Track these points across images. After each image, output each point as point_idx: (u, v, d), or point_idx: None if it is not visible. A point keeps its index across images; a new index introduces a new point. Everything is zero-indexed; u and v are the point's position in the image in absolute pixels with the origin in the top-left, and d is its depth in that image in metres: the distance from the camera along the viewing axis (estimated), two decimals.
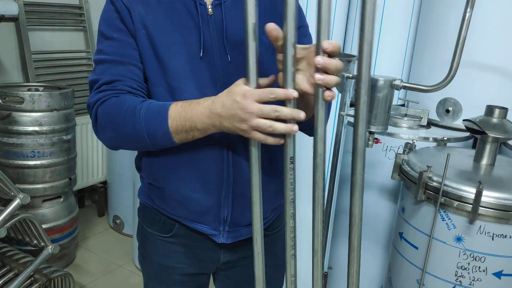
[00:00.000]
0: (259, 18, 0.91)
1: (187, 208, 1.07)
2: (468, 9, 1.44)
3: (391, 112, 2.10)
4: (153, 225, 1.15)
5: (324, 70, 0.78)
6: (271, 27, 0.80)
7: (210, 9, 1.01)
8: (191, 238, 1.12)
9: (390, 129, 2.15)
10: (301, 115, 0.82)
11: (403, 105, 2.39)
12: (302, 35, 1.07)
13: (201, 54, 0.98)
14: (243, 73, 0.84)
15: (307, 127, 1.09)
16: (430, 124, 2.23)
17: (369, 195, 2.11)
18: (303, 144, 1.64)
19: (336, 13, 2.45)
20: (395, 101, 2.36)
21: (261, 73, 0.84)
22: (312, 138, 0.86)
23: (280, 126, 0.82)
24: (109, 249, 2.84)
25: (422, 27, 2.29)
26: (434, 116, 2.21)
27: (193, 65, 0.98)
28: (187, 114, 0.90)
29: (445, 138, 1.92)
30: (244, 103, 0.82)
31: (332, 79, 0.78)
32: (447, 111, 2.15)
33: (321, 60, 0.77)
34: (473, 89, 2.09)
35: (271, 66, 0.88)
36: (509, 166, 1.67)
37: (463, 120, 1.71)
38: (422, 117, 2.19)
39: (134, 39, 1.00)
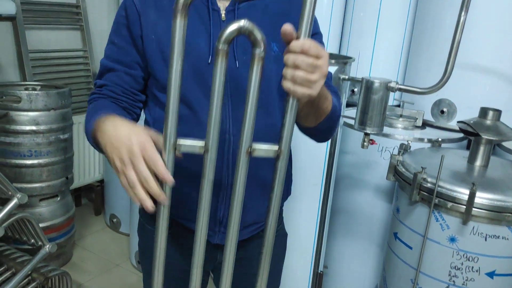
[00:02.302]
0: (271, 25, 0.93)
1: (184, 207, 1.08)
2: (463, 13, 1.46)
3: (387, 113, 2.13)
4: (152, 222, 1.16)
5: (295, 67, 0.76)
6: (288, 29, 0.75)
7: (223, 15, 1.03)
8: (187, 237, 1.14)
9: (386, 129, 2.16)
10: (161, 200, 0.80)
11: (398, 106, 2.41)
12: (317, 41, 1.08)
13: (209, 60, 1.00)
14: None
15: (312, 133, 1.11)
16: (425, 125, 2.25)
17: (364, 195, 2.14)
18: (302, 144, 1.65)
19: (332, 14, 2.47)
20: (390, 102, 2.38)
21: (266, 82, 0.83)
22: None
23: (132, 181, 0.80)
24: (106, 247, 2.85)
25: (418, 27, 2.31)
26: (429, 117, 2.23)
27: (201, 70, 1.00)
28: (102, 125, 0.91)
29: (440, 139, 1.94)
30: (127, 144, 0.81)
31: (296, 89, 0.76)
32: (442, 112, 2.17)
33: (290, 57, 0.76)
34: (467, 90, 2.11)
35: (276, 76, 0.89)
36: (502, 167, 1.69)
37: (458, 122, 1.73)
38: (417, 118, 2.21)
39: (138, 46, 1.04)
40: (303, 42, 0.74)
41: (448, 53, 1.63)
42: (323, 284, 2.18)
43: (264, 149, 0.82)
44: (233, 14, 1.03)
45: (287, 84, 0.77)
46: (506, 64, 2.09)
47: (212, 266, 1.22)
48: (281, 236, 1.30)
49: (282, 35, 0.77)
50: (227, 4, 1.04)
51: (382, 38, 2.44)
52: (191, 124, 1.02)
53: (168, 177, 0.79)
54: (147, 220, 1.19)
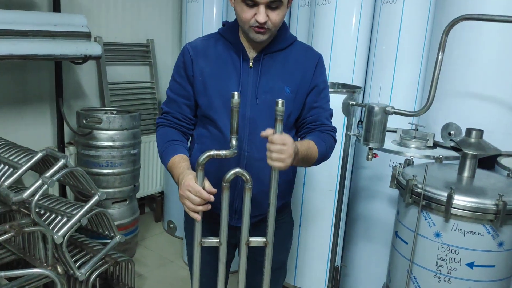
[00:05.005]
0: (286, 72, 1.40)
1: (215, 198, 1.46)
2: (440, 53, 1.82)
3: (402, 134, 2.49)
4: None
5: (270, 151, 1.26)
6: (264, 134, 1.28)
7: (251, 63, 1.49)
8: (214, 219, 1.47)
9: (399, 148, 2.53)
10: (195, 216, 1.33)
11: (416, 129, 2.74)
12: (321, 89, 1.55)
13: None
14: (267, 112, 1.34)
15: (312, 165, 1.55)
16: (436, 145, 2.57)
17: (378, 204, 2.48)
18: None
19: (357, 47, 2.87)
20: (407, 126, 2.72)
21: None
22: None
23: (190, 206, 1.32)
24: (163, 247, 3.35)
25: (431, 61, 2.66)
26: (439, 138, 2.55)
27: (230, 104, 1.37)
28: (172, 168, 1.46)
29: (441, 156, 2.27)
30: (182, 187, 1.33)
31: (273, 164, 1.26)
32: (450, 134, 2.49)
33: (268, 145, 1.27)
34: (472, 115, 2.41)
35: (287, 111, 1.37)
36: (487, 178, 2.00)
37: (449, 139, 2.06)
38: (428, 139, 2.55)
39: (192, 83, 1.51)
40: (272, 137, 1.25)
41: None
42: (343, 281, 2.53)
43: (257, 240, 1.36)
44: (258, 62, 1.48)
45: (268, 161, 1.27)
46: (507, 93, 2.38)
47: (235, 241, 1.61)
48: (287, 222, 1.70)
49: (263, 137, 1.27)
50: (255, 55, 1.49)
51: (401, 72, 2.81)
52: (221, 141, 1.47)
53: (209, 197, 1.30)
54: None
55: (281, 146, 1.24)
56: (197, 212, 1.31)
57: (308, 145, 1.43)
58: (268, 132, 1.25)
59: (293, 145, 1.27)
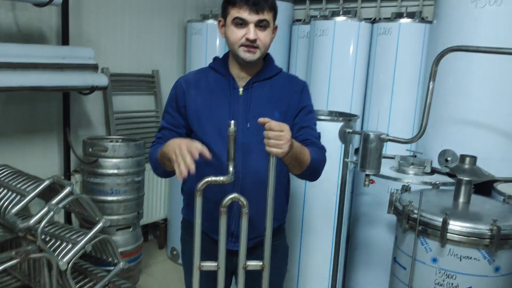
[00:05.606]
0: (274, 98, 1.48)
1: (210, 222, 1.49)
2: (431, 82, 1.90)
3: (400, 161, 2.54)
4: (190, 233, 1.65)
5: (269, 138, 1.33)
6: (261, 121, 1.35)
7: (241, 92, 1.58)
8: (212, 244, 1.51)
9: (398, 175, 2.58)
10: (191, 168, 1.32)
11: (414, 156, 2.80)
12: (308, 111, 1.64)
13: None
14: (259, 136, 1.39)
15: (302, 177, 1.61)
16: (434, 171, 2.62)
17: (378, 230, 2.52)
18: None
19: (355, 76, 2.96)
20: (405, 153, 2.78)
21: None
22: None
23: (180, 162, 1.32)
24: (166, 275, 3.37)
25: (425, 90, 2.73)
26: (437, 165, 2.60)
27: (222, 130, 1.48)
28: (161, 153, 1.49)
29: (438, 182, 2.31)
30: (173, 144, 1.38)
31: (271, 150, 1.33)
32: (446, 160, 2.54)
33: (265, 133, 1.34)
34: (468, 142, 2.47)
35: None
36: (483, 203, 2.04)
37: (444, 166, 2.11)
38: (426, 165, 2.59)
39: (184, 114, 1.59)
40: (270, 123, 1.32)
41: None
42: None
43: (253, 264, 1.41)
44: (247, 91, 1.56)
45: (266, 148, 1.34)
46: (501, 120, 2.44)
47: (231, 267, 1.59)
48: (283, 247, 1.74)
49: (260, 124, 1.34)
50: (244, 84, 1.58)
51: (398, 101, 2.88)
52: (215, 166, 1.51)
53: (196, 155, 1.33)
54: (185, 231, 1.71)
55: (278, 132, 1.32)
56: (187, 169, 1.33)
57: (301, 145, 1.52)
58: (265, 119, 1.34)
59: (290, 132, 1.36)
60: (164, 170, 1.55)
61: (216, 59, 1.69)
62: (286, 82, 1.65)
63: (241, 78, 1.60)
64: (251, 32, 1.49)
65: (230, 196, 1.33)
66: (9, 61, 2.44)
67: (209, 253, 1.47)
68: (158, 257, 3.67)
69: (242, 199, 1.33)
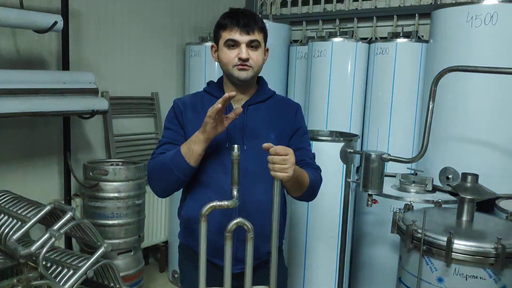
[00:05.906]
0: (270, 120, 1.48)
1: (209, 246, 1.45)
2: (431, 102, 1.91)
3: (401, 179, 2.55)
4: (188, 258, 1.65)
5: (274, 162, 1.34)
6: (265, 146, 1.36)
7: None
8: (211, 267, 1.49)
9: (399, 193, 2.58)
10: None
11: (415, 174, 2.80)
12: (302, 132, 1.65)
13: (226, 145, 1.54)
14: (255, 158, 1.39)
15: (301, 199, 1.62)
16: (436, 189, 2.62)
17: (382, 249, 2.50)
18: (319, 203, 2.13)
19: (354, 95, 2.98)
20: (406, 171, 2.78)
21: (266, 163, 1.37)
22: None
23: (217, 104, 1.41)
24: None
25: (425, 109, 2.75)
26: (438, 182, 2.60)
27: (220, 151, 1.53)
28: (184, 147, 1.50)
29: (440, 200, 2.31)
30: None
31: (277, 174, 1.33)
32: (447, 178, 2.54)
33: (270, 158, 1.35)
34: (469, 160, 2.49)
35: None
36: (485, 222, 2.04)
37: (446, 184, 2.12)
38: (427, 184, 2.60)
39: (183, 129, 1.60)
40: (275, 148, 1.34)
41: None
42: None
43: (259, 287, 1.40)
44: (244, 112, 1.57)
45: (271, 172, 1.34)
46: (501, 137, 2.46)
47: None
48: (282, 268, 1.73)
49: (265, 149, 1.36)
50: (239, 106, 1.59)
51: (396, 119, 2.90)
52: (212, 187, 1.53)
53: (222, 104, 1.41)
54: (183, 256, 1.72)
55: (284, 156, 1.33)
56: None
57: (300, 168, 1.53)
58: (269, 144, 1.35)
59: (294, 155, 1.38)
60: (169, 177, 1.52)
61: (210, 83, 1.71)
62: (280, 104, 1.68)
63: (237, 101, 1.61)
64: (243, 51, 1.53)
65: (235, 221, 1.33)
66: (11, 87, 2.46)
67: (208, 276, 1.45)
68: (159, 281, 3.62)
69: (247, 223, 1.33)
